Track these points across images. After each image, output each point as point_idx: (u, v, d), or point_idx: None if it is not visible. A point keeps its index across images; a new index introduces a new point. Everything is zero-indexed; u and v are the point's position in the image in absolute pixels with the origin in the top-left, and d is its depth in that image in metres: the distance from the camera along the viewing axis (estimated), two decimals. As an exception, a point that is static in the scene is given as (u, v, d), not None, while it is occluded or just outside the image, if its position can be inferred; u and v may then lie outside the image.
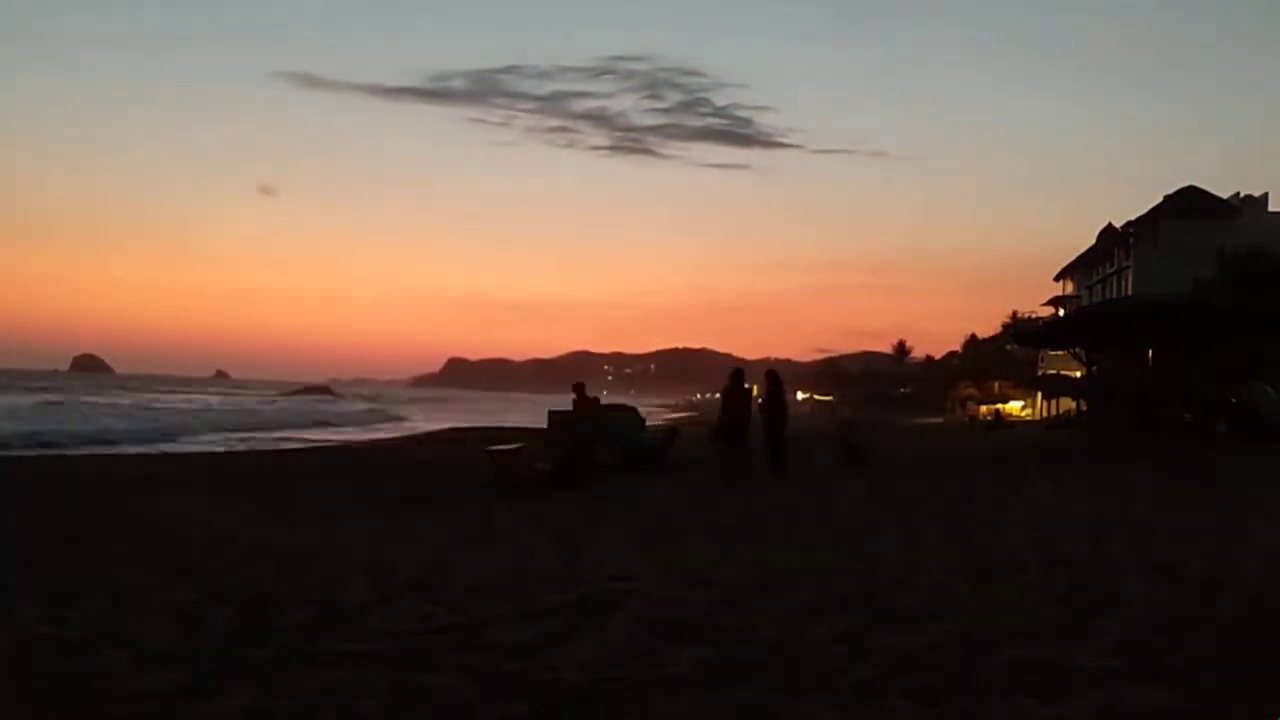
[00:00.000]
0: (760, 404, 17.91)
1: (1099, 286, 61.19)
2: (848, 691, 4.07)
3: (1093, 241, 61.81)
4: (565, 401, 19.01)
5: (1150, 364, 34.50)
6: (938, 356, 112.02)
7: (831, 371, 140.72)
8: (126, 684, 4.34)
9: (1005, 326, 73.41)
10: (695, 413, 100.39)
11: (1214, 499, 11.25)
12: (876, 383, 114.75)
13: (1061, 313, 60.64)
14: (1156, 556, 7.08)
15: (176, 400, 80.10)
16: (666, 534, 9.28)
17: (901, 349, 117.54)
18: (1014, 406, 72.78)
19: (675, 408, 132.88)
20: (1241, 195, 55.06)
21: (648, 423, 24.46)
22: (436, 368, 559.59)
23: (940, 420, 73.11)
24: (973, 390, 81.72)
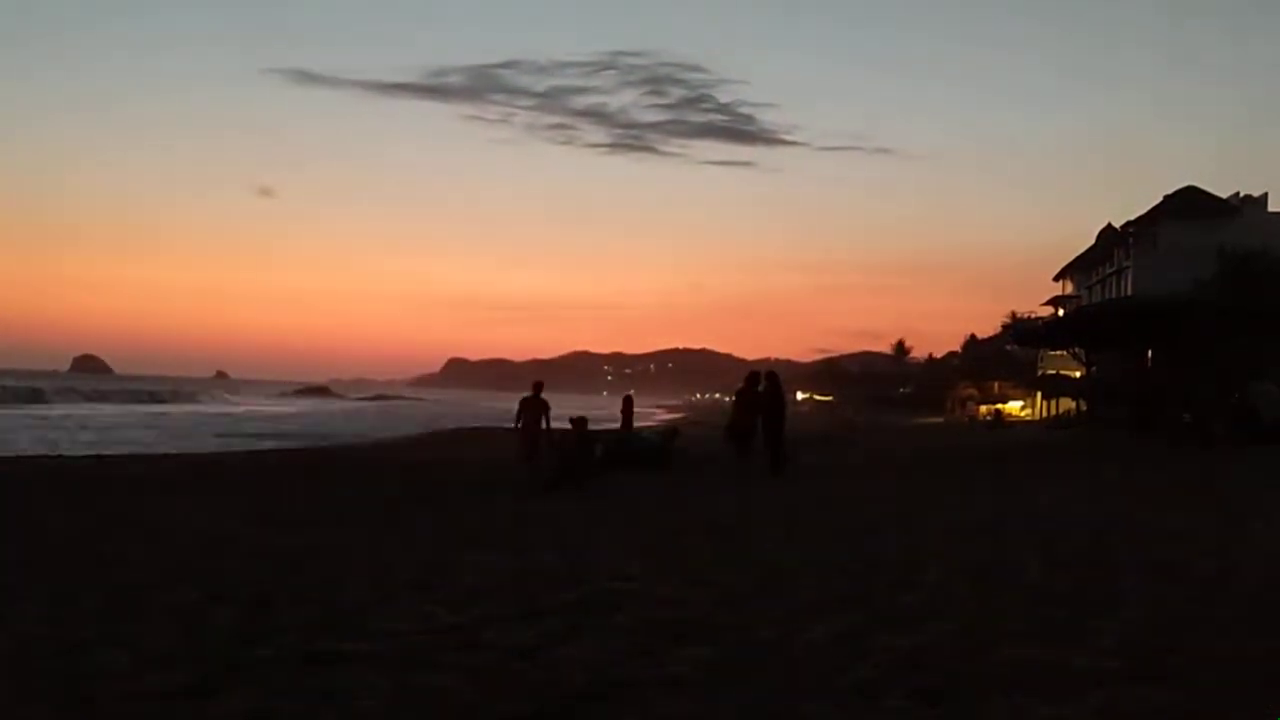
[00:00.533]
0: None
1: (1099, 287, 61.17)
2: (848, 691, 4.07)
3: (1092, 242, 61.81)
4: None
5: (1150, 364, 34.50)
6: (938, 356, 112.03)
7: (831, 372, 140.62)
8: (126, 684, 4.34)
9: (1005, 327, 73.33)
10: (689, 414, 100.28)
11: (1214, 499, 11.25)
12: (876, 383, 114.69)
13: (1061, 313, 60.60)
14: (1156, 556, 7.08)
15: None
16: (666, 534, 9.28)
17: (901, 349, 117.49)
18: (1014, 407, 72.82)
19: (672, 409, 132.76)
20: (1241, 195, 55.03)
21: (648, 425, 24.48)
22: (437, 368, 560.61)
23: (940, 420, 73.14)
24: (973, 390, 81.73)
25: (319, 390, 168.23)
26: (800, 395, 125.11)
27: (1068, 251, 68.61)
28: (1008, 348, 73.60)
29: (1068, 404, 53.38)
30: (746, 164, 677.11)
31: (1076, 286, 67.35)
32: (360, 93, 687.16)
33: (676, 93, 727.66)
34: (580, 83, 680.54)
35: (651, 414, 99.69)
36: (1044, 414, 62.41)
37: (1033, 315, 68.07)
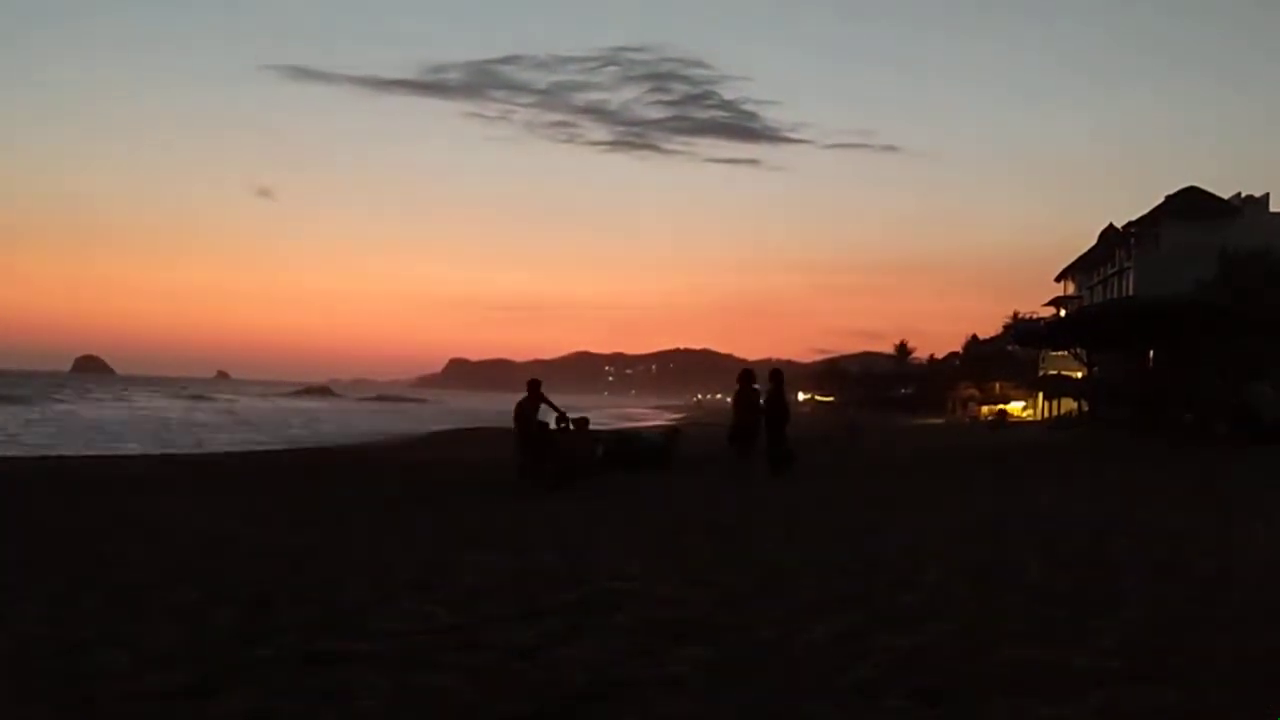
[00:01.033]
0: (762, 404, 17.93)
1: (1100, 287, 61.21)
2: (848, 691, 4.06)
3: (1094, 242, 61.82)
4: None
5: (1151, 365, 34.49)
6: (939, 357, 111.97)
7: (833, 372, 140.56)
8: (126, 684, 4.34)
9: (1007, 327, 73.43)
10: (686, 414, 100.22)
11: (1214, 499, 11.25)
12: (877, 383, 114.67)
13: (1063, 313, 60.61)
14: (1156, 556, 7.08)
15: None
16: (666, 534, 9.28)
17: (903, 349, 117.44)
18: (1015, 407, 72.85)
19: (673, 409, 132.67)
20: (1242, 196, 55.05)
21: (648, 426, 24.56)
22: (438, 368, 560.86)
23: (941, 421, 73.15)
24: (974, 391, 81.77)
25: (320, 390, 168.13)
26: (801, 396, 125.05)
27: (1069, 252, 68.73)
28: (1009, 348, 73.67)
29: (1069, 404, 53.39)
30: (751, 162, 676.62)
31: (1078, 287, 67.39)
32: (356, 89, 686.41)
33: (680, 89, 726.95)
34: (581, 79, 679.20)
35: (647, 416, 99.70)
36: (1045, 414, 62.42)
37: (1034, 316, 68.13)
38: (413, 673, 4.45)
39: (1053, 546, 7.56)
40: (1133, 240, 55.60)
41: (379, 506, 13.44)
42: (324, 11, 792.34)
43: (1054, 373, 58.61)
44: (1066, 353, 41.73)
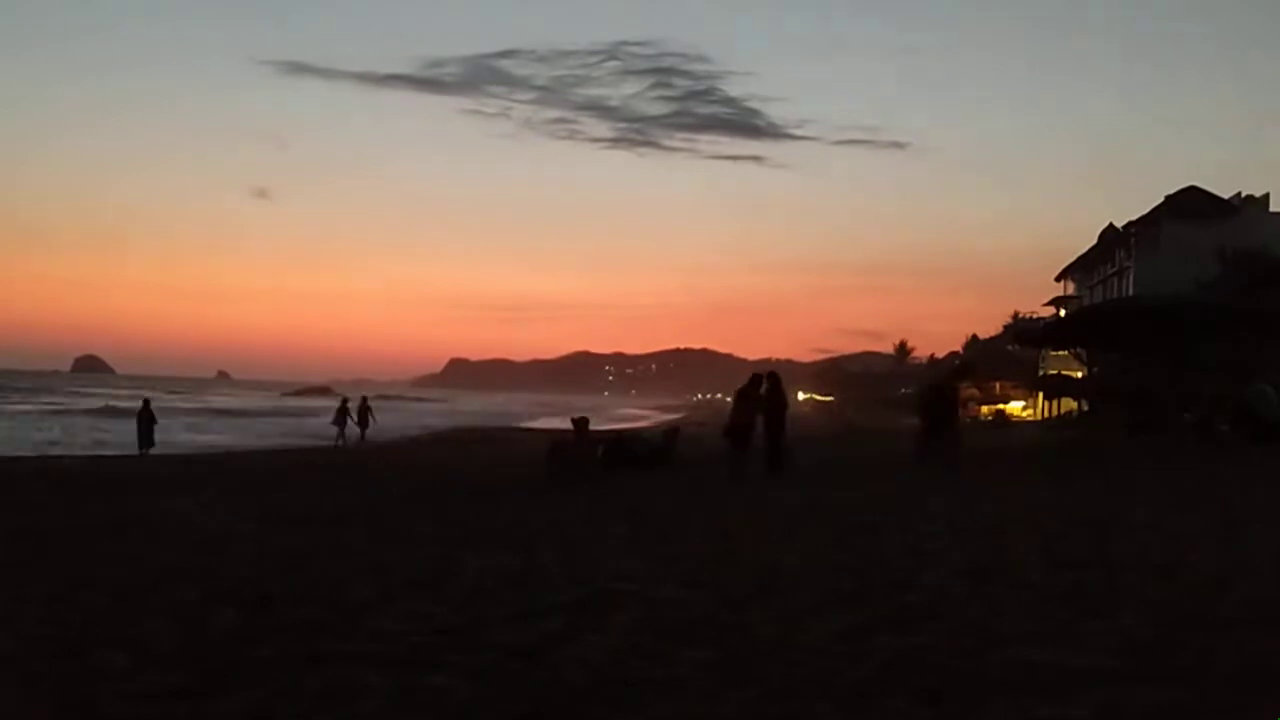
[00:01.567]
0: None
1: (1100, 287, 61.20)
2: (848, 691, 4.06)
3: (1094, 242, 61.81)
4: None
5: (1151, 365, 34.46)
6: (939, 357, 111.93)
7: (833, 372, 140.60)
8: (126, 684, 4.34)
9: (1007, 327, 73.41)
10: (686, 414, 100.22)
11: (1214, 499, 11.24)
12: (878, 383, 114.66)
13: (1063, 313, 60.61)
14: (1157, 556, 7.07)
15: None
16: (666, 534, 9.28)
17: (903, 349, 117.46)
18: (1015, 407, 72.78)
19: (673, 409, 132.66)
20: (1242, 195, 55.04)
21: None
22: (438, 368, 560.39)
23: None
24: (974, 391, 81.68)
25: (320, 390, 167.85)
26: (801, 395, 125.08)
27: (1069, 252, 68.74)
28: (1009, 348, 73.60)
29: (1069, 404, 53.37)
30: (754, 159, 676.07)
31: (1078, 287, 67.37)
32: (353, 84, 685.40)
33: (682, 85, 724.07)
34: (581, 74, 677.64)
35: (647, 416, 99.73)
36: (1045, 414, 62.39)
37: (1034, 315, 68.15)
38: (413, 673, 4.44)
39: (1053, 546, 7.55)
40: (1132, 240, 55.58)
41: (380, 506, 13.44)
42: (319, 6, 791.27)
43: (1054, 373, 58.56)
44: (1066, 353, 41.73)
